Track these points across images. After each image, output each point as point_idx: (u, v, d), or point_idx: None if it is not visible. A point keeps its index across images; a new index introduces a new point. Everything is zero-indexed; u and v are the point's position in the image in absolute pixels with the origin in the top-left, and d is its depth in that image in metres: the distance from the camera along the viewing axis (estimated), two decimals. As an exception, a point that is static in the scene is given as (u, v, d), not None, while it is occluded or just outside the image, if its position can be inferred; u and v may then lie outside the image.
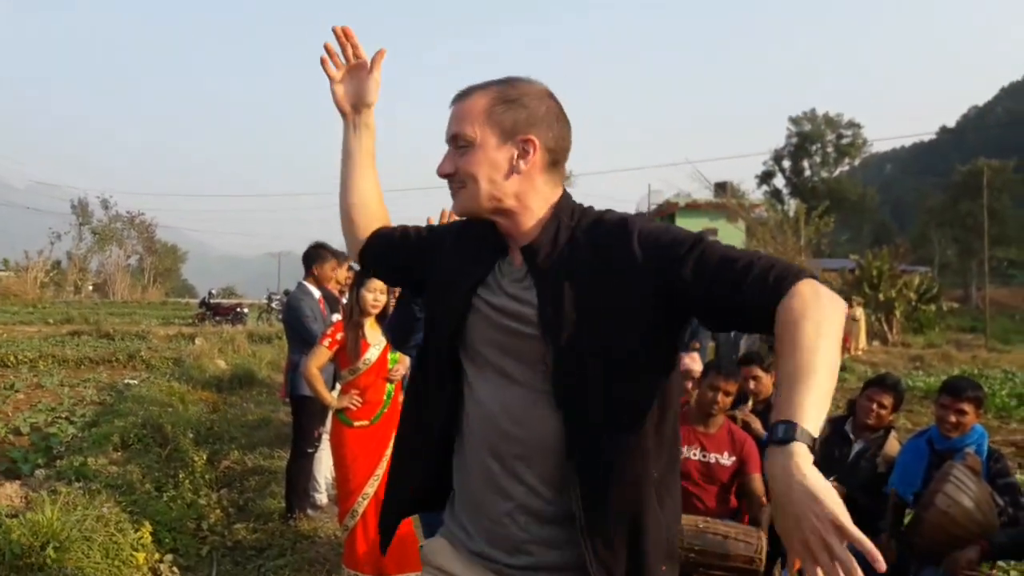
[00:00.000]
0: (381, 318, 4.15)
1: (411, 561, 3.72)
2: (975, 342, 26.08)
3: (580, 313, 1.43)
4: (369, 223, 1.84)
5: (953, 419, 3.54)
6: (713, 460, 3.62)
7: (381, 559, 3.95)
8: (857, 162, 70.94)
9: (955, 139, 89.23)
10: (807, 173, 64.57)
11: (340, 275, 5.63)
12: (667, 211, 40.30)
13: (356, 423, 4.04)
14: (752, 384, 4.43)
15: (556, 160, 1.55)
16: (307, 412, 5.13)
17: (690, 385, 4.34)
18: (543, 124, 1.52)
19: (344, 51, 1.78)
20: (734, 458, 3.63)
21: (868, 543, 1.05)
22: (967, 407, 3.53)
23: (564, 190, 1.58)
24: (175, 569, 4.25)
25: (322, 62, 1.78)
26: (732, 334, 5.95)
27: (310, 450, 5.29)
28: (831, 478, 3.65)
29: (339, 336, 4.09)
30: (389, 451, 3.29)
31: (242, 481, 6.10)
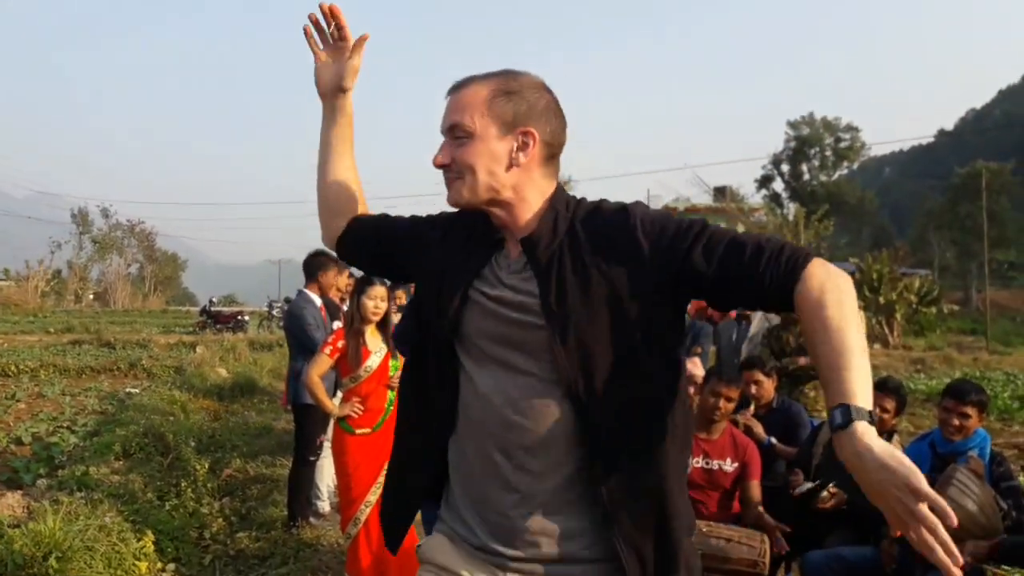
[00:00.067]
0: (382, 325, 4.16)
1: (415, 570, 3.71)
2: (976, 344, 26.07)
3: (584, 300, 1.44)
4: (348, 209, 1.81)
5: (956, 422, 3.54)
6: (716, 467, 3.61)
7: (384, 567, 3.95)
8: (856, 165, 71.09)
9: (953, 142, 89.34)
10: (806, 177, 64.63)
11: (341, 282, 5.64)
12: (667, 216, 40.27)
13: (358, 431, 4.04)
14: (754, 388, 4.42)
15: (553, 154, 1.56)
16: (309, 420, 5.13)
17: (692, 390, 4.34)
18: (543, 117, 1.53)
19: (328, 28, 1.74)
20: (736, 464, 3.62)
21: (940, 501, 1.14)
22: (970, 410, 3.52)
23: (558, 183, 1.59)
24: (178, 578, 4.24)
25: (305, 33, 1.74)
26: (733, 338, 5.94)
27: (312, 458, 5.29)
28: (830, 484, 3.66)
29: (340, 344, 4.09)
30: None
31: (244, 490, 6.09)
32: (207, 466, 6.14)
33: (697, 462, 3.60)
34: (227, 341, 17.83)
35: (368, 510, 3.96)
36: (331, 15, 1.72)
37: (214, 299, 31.18)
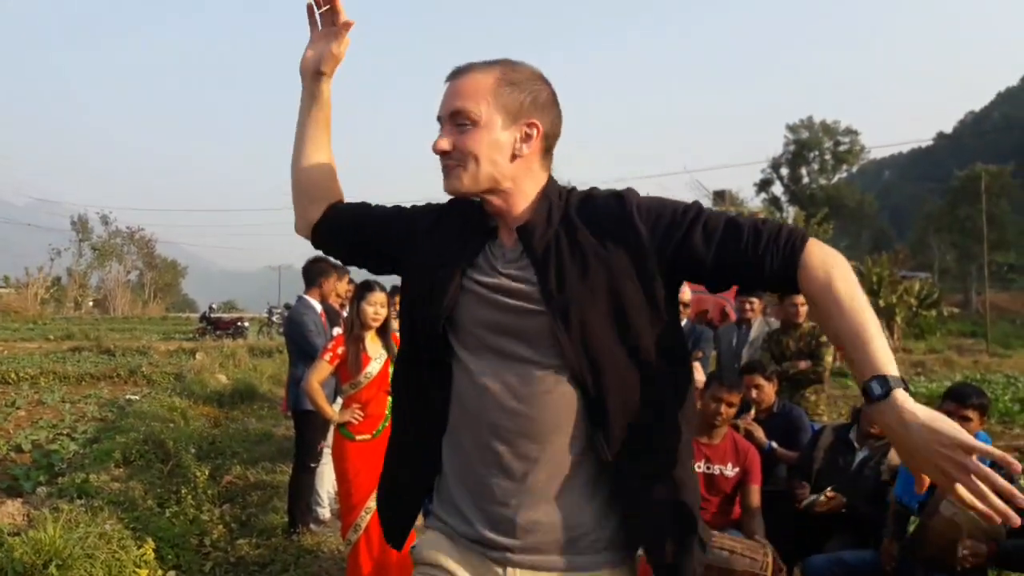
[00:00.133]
0: (382, 331, 4.15)
1: None
2: (976, 347, 26.07)
3: (583, 286, 1.44)
4: (324, 196, 1.76)
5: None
6: (717, 471, 3.61)
7: (385, 573, 3.94)
8: (855, 169, 71.18)
9: (952, 145, 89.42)
10: (805, 180, 64.69)
11: (341, 288, 5.64)
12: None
13: (358, 437, 4.03)
14: (754, 393, 4.42)
15: (550, 145, 1.57)
16: (310, 426, 5.12)
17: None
18: (544, 109, 1.54)
19: (319, 8, 1.71)
20: (737, 469, 3.62)
21: (996, 451, 1.18)
22: (971, 414, 3.51)
23: (550, 174, 1.60)
24: (178, 586, 4.24)
25: (308, 9, 1.71)
26: (734, 342, 5.93)
27: (313, 464, 5.28)
28: (829, 488, 3.65)
29: (340, 350, 4.09)
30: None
31: (244, 496, 6.09)
32: (207, 473, 6.13)
33: (698, 467, 3.59)
34: (227, 347, 17.86)
35: (368, 516, 3.95)
36: None
37: (214, 305, 31.23)
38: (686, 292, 6.23)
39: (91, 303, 50.65)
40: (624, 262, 1.45)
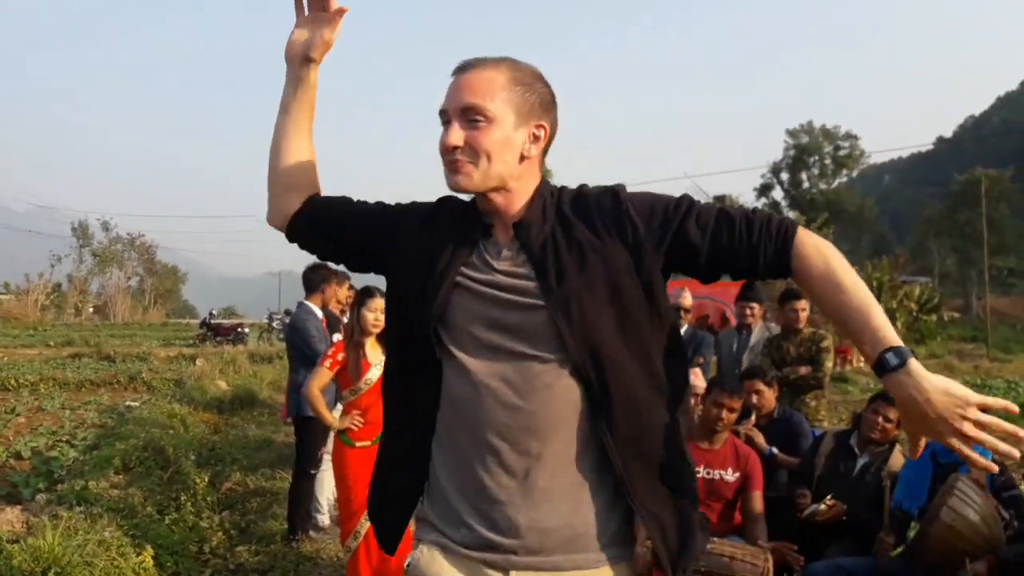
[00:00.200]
0: (383, 337, 4.15)
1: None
2: (977, 352, 26.06)
3: (582, 280, 1.45)
4: (303, 185, 1.71)
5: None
6: (717, 477, 3.60)
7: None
8: (855, 173, 71.28)
9: (952, 149, 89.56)
10: (805, 185, 64.81)
11: (341, 294, 5.64)
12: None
13: (358, 443, 4.02)
14: (755, 398, 4.41)
15: (549, 146, 1.59)
16: (311, 433, 5.12)
17: (692, 401, 4.33)
18: (549, 111, 1.55)
19: None
20: (738, 474, 3.61)
21: (994, 400, 1.31)
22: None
23: (543, 174, 1.61)
24: (177, 593, 4.23)
25: None
26: (734, 348, 5.92)
27: (313, 471, 5.27)
28: (829, 496, 3.64)
29: (340, 356, 4.09)
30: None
31: (244, 503, 6.08)
32: (207, 479, 6.12)
33: (698, 472, 3.58)
34: (227, 353, 17.82)
35: (368, 523, 3.94)
36: None
37: (214, 311, 31.19)
38: (687, 298, 6.22)
39: (91, 309, 50.63)
40: (622, 256, 1.47)
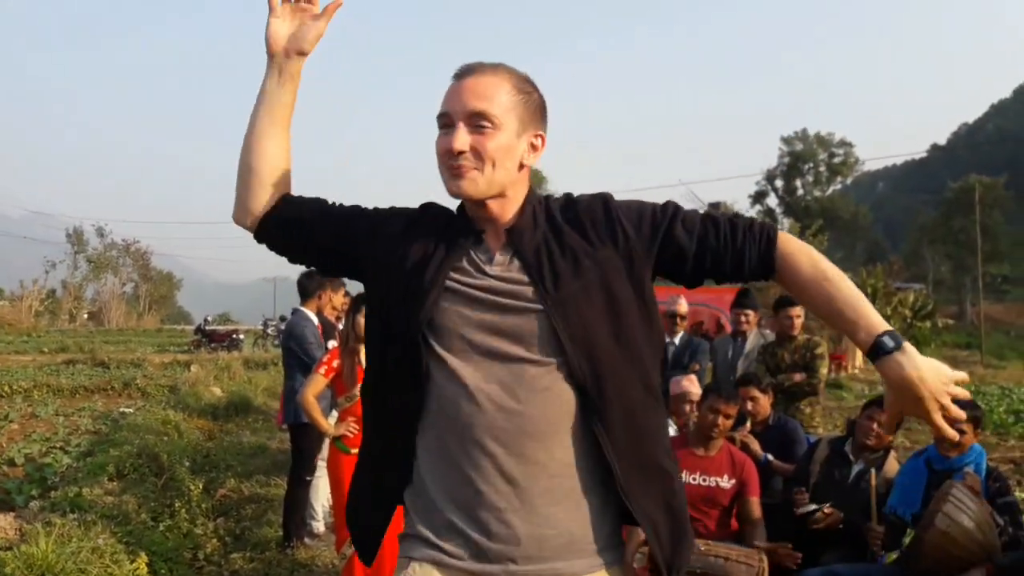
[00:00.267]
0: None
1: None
2: (971, 358, 26.17)
3: (577, 284, 1.46)
4: (278, 184, 1.64)
5: (952, 438, 3.53)
6: (713, 484, 3.60)
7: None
8: (849, 180, 71.55)
9: (946, 156, 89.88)
10: (800, 192, 65.00)
11: (337, 301, 5.63)
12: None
13: (353, 450, 4.01)
14: (750, 405, 4.42)
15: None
16: (308, 439, 5.11)
17: (688, 408, 4.33)
18: (544, 121, 1.57)
19: None
20: (734, 481, 3.61)
21: (960, 374, 1.45)
22: (965, 426, 3.52)
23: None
24: (171, 601, 4.21)
25: None
26: (729, 355, 5.93)
27: (308, 478, 5.26)
28: (827, 504, 3.64)
29: (335, 363, 4.08)
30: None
31: (239, 510, 6.05)
32: (201, 486, 6.10)
33: (694, 479, 3.58)
34: (222, 360, 17.80)
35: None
36: None
37: (209, 318, 31.19)
38: (683, 304, 6.24)
39: (86, 315, 50.50)
40: (614, 261, 1.49)
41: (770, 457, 4.23)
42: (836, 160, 64.97)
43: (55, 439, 8.71)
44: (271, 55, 1.63)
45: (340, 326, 5.34)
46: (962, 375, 1.45)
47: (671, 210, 1.57)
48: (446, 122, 1.50)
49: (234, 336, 27.19)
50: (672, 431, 4.40)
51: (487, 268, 1.51)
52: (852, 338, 1.50)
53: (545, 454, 1.45)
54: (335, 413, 4.29)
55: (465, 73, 1.50)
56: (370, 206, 1.69)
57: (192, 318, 60.79)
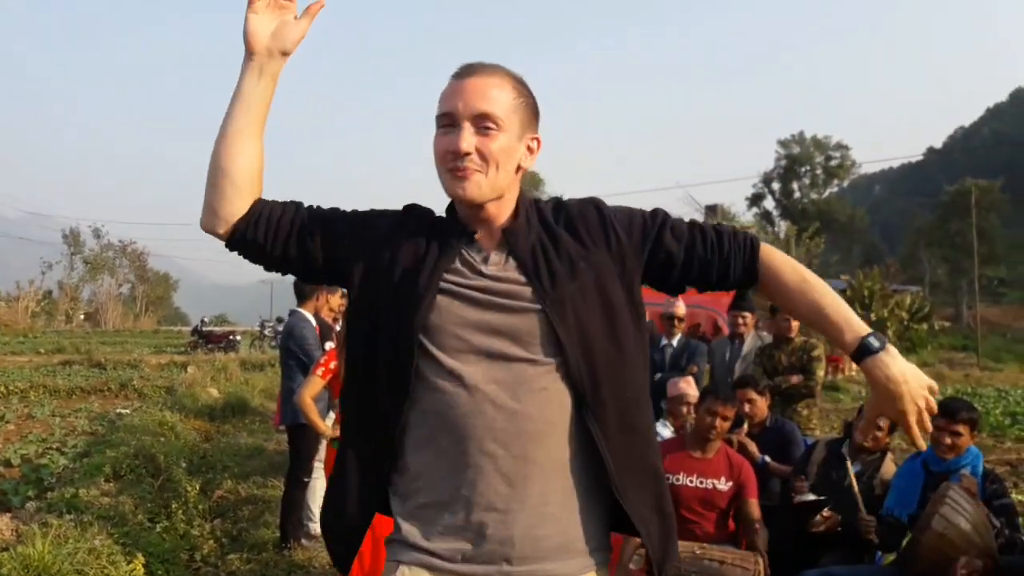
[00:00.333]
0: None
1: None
2: (967, 361, 26.22)
3: (574, 285, 1.47)
4: (252, 189, 1.57)
5: (948, 441, 3.54)
6: (711, 486, 3.60)
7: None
8: (846, 183, 71.60)
9: (942, 160, 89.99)
10: (797, 195, 64.98)
11: (334, 302, 5.63)
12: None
13: (351, 451, 4.01)
14: (747, 407, 4.43)
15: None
16: (306, 440, 5.10)
17: (685, 410, 4.34)
18: (538, 123, 1.57)
19: None
20: (731, 483, 3.61)
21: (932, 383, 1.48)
22: (962, 428, 3.53)
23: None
24: (168, 602, 4.20)
25: None
26: (727, 357, 5.94)
27: (306, 479, 5.25)
28: (826, 508, 3.65)
29: (333, 364, 4.08)
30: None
31: (236, 511, 6.05)
32: (198, 487, 6.09)
33: (692, 481, 3.59)
34: (219, 361, 17.77)
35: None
36: None
37: (206, 319, 31.12)
38: (680, 307, 6.25)
39: (82, 316, 50.40)
40: (608, 264, 1.51)
41: (767, 459, 4.23)
42: (833, 163, 64.96)
43: (51, 440, 8.69)
44: (252, 53, 1.55)
45: (337, 328, 5.34)
46: (934, 383, 1.48)
47: (660, 217, 1.60)
48: (448, 122, 1.48)
49: (231, 337, 27.15)
50: (669, 433, 4.40)
51: (483, 268, 1.50)
52: (838, 341, 1.53)
53: (543, 454, 1.45)
54: (332, 415, 4.29)
55: (467, 73, 1.48)
56: (348, 208, 1.65)
57: (189, 319, 60.74)
